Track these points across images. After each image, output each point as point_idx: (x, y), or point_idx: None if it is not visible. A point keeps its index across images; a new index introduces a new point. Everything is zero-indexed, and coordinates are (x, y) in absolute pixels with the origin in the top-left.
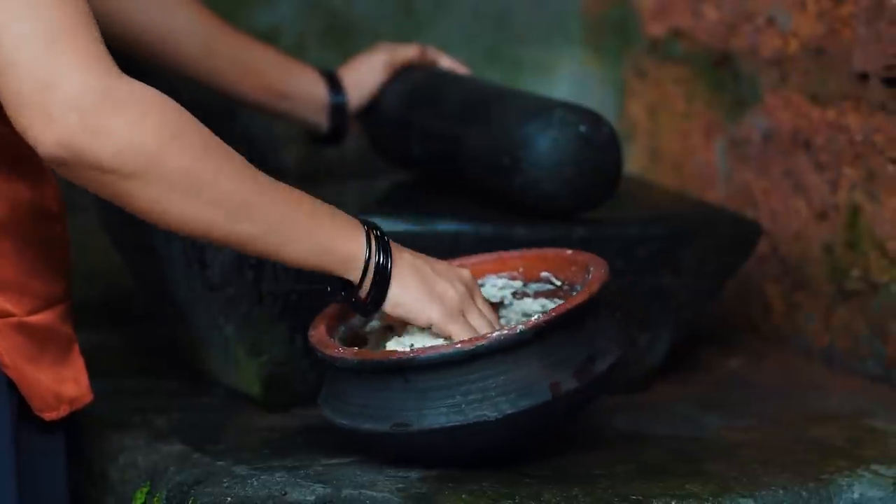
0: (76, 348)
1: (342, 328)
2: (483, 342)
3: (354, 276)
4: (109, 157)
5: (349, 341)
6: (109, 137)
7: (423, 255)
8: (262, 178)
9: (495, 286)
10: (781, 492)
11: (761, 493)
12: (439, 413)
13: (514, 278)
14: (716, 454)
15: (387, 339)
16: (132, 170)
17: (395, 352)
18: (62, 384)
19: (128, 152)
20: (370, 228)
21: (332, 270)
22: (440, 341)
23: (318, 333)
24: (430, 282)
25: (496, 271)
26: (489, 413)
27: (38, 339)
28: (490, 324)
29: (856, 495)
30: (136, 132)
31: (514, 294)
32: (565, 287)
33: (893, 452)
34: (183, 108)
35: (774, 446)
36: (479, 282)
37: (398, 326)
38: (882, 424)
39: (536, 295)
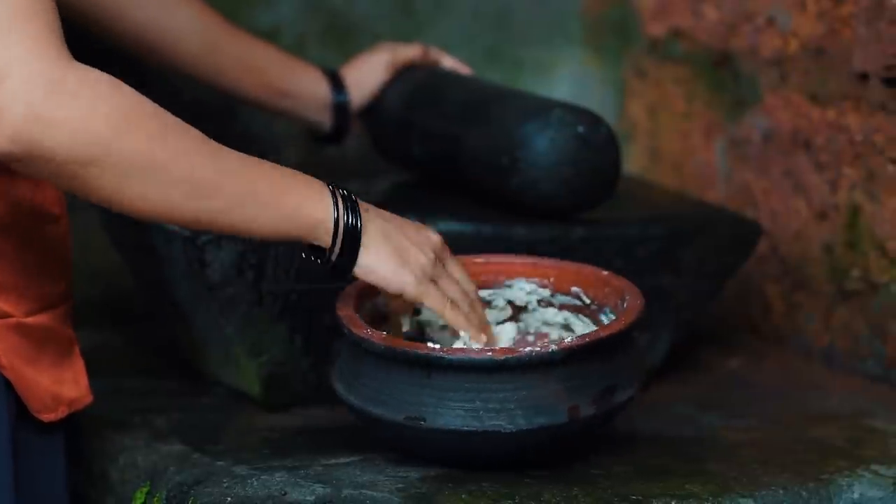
0: (76, 349)
1: (368, 305)
2: (513, 355)
3: (325, 241)
4: (62, 147)
5: (376, 319)
6: (61, 127)
7: (393, 217)
8: (224, 152)
9: (523, 290)
10: (781, 492)
11: (761, 493)
12: (455, 415)
13: (543, 286)
14: (716, 454)
15: (404, 317)
16: (87, 158)
17: (425, 346)
18: (61, 385)
19: (81, 140)
20: (336, 190)
21: (302, 237)
22: (452, 331)
23: (348, 310)
24: (401, 249)
25: (527, 275)
26: (505, 424)
27: (37, 340)
28: (459, 289)
29: (856, 495)
30: (88, 119)
31: (540, 301)
32: (593, 307)
33: (893, 452)
34: (136, 92)
35: (774, 446)
36: (508, 282)
37: (396, 307)
38: (882, 424)
39: (562, 307)
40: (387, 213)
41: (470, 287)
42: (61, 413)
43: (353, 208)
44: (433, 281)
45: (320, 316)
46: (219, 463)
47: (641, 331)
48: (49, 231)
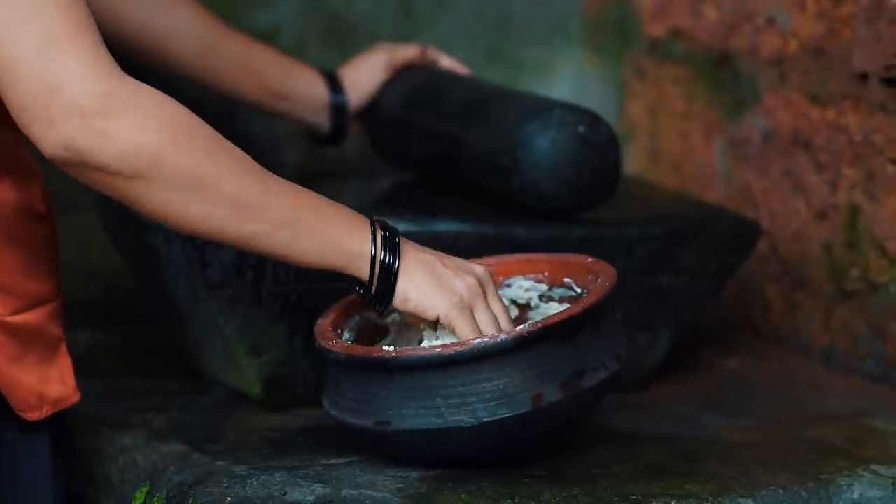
0: (63, 348)
1: (356, 318)
2: (462, 348)
3: (362, 274)
4: (112, 159)
5: (365, 332)
6: (112, 140)
7: (434, 251)
8: (269, 177)
9: (521, 287)
10: (781, 492)
11: (761, 493)
12: (418, 414)
13: (539, 281)
14: (715, 454)
15: (408, 331)
16: (135, 171)
17: (379, 350)
18: (46, 384)
19: (130, 154)
20: (377, 225)
21: (339, 268)
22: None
23: (323, 323)
24: (439, 275)
25: (523, 273)
26: (466, 419)
27: (23, 338)
28: (495, 322)
29: (855, 495)
30: (139, 134)
31: (541, 297)
32: (584, 295)
33: (893, 452)
34: (187, 110)
35: (774, 446)
36: (507, 282)
37: (415, 322)
38: (882, 424)
39: (562, 300)
40: (429, 249)
41: (507, 326)
42: (46, 412)
43: (392, 245)
44: (469, 309)
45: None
46: (219, 463)
47: (615, 311)
48: (35, 230)
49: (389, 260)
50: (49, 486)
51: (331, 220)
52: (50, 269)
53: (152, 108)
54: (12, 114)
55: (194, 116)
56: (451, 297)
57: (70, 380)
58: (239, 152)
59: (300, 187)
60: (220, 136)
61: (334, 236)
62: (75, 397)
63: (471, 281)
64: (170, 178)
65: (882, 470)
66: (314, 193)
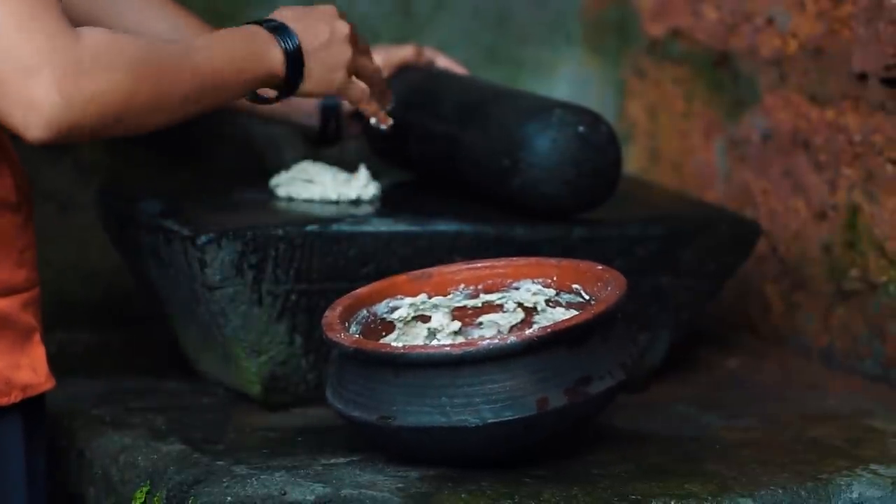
0: (37, 337)
1: (363, 312)
2: (471, 348)
3: (277, 65)
4: (94, 121)
5: (371, 327)
6: (92, 106)
7: (304, 15)
8: (194, 51)
9: (529, 291)
10: (780, 491)
11: (760, 492)
12: (423, 412)
13: (547, 286)
14: (715, 454)
15: (414, 328)
16: (113, 119)
17: (388, 345)
18: (16, 371)
19: (108, 110)
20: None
21: (258, 72)
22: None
23: (331, 315)
24: (327, 57)
25: (532, 276)
26: (470, 419)
27: None
28: (375, 81)
29: (854, 495)
30: (111, 90)
31: (548, 302)
32: (592, 302)
33: (892, 452)
34: (124, 36)
35: (773, 446)
36: (515, 284)
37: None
38: (881, 424)
39: (569, 305)
40: (298, 12)
41: (379, 77)
42: (14, 398)
43: (287, 33)
44: (350, 75)
45: (320, 316)
46: (219, 463)
47: (629, 320)
48: (8, 218)
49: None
50: (22, 473)
51: (237, 44)
52: (22, 259)
53: (111, 60)
54: None
55: (131, 40)
56: (338, 77)
57: (42, 368)
58: (167, 48)
59: (210, 45)
60: (152, 46)
61: (253, 63)
62: (48, 385)
63: (347, 51)
64: (141, 109)
65: (881, 470)
66: (227, 36)
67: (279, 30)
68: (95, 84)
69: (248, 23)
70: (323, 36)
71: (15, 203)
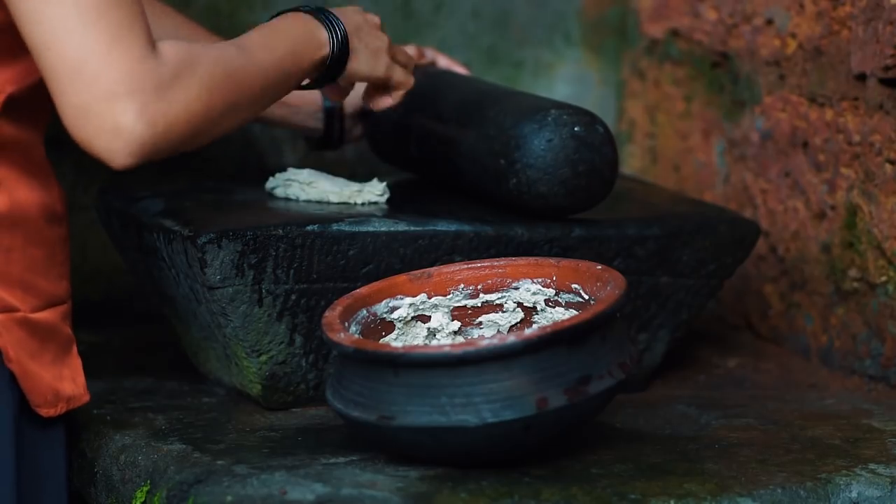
0: (74, 349)
1: (363, 312)
2: (470, 348)
3: (324, 50)
4: (177, 142)
5: (371, 327)
6: (175, 127)
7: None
8: (255, 51)
9: (529, 290)
10: (779, 491)
11: (759, 492)
12: (422, 412)
13: (546, 285)
14: (714, 453)
15: (413, 328)
16: (192, 136)
17: (388, 345)
18: (61, 382)
19: (190, 129)
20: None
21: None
22: (463, 338)
23: (331, 315)
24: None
25: (531, 276)
26: (470, 419)
27: (40, 336)
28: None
29: (854, 494)
30: (192, 110)
31: (547, 301)
32: (591, 302)
33: (891, 452)
34: (192, 46)
35: (772, 446)
36: (514, 284)
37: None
38: (880, 424)
39: (568, 305)
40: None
41: (413, 65)
42: (60, 409)
43: (334, 21)
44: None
45: (320, 316)
46: (219, 462)
47: (629, 320)
48: (55, 230)
49: (341, 37)
50: (64, 483)
51: (290, 32)
52: (63, 271)
53: (189, 79)
54: (68, 124)
55: (202, 51)
56: (382, 61)
57: (81, 379)
58: (230, 51)
59: (267, 32)
60: (222, 52)
61: (304, 55)
62: (86, 397)
63: (384, 38)
64: (218, 119)
65: (880, 469)
66: (279, 29)
67: (321, 12)
68: (178, 106)
69: (280, 13)
70: (359, 21)
71: (61, 214)
